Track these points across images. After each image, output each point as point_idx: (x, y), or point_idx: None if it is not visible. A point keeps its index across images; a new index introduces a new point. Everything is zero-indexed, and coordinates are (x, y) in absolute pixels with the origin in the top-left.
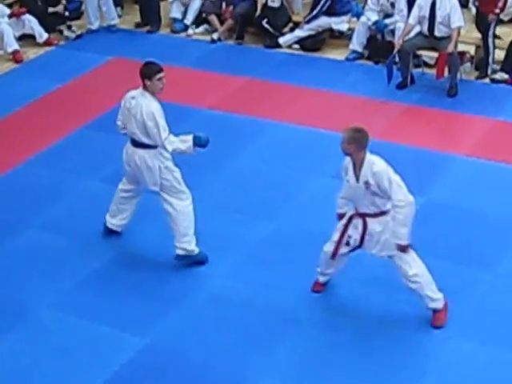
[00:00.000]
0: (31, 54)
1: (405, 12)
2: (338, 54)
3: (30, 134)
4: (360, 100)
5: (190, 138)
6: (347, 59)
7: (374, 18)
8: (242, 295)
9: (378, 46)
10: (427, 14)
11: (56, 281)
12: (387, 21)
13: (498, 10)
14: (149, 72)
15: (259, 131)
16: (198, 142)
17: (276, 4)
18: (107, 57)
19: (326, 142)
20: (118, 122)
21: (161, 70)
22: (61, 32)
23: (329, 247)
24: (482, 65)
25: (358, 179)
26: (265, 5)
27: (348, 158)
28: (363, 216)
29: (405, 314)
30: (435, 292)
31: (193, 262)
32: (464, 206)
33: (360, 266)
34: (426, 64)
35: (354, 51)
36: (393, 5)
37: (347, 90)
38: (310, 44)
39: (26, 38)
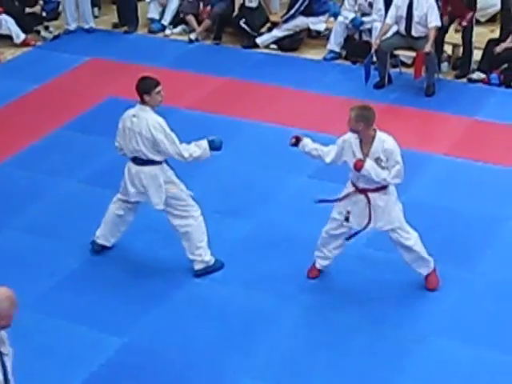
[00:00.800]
0: (8, 54)
1: (382, 12)
2: (315, 54)
3: (7, 135)
4: (338, 100)
5: (204, 142)
6: (325, 59)
7: (351, 16)
8: (220, 295)
9: (356, 46)
10: (404, 14)
11: (34, 281)
12: (364, 19)
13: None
14: (147, 87)
15: (237, 131)
16: (214, 146)
17: (253, 4)
18: (85, 57)
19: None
20: (116, 144)
21: (158, 84)
22: (38, 32)
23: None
24: (459, 64)
25: (365, 156)
26: (242, 5)
27: (346, 138)
28: (365, 192)
29: (383, 313)
30: (428, 257)
31: (211, 271)
32: (442, 205)
33: (336, 270)
34: (404, 64)
35: (332, 51)
36: (370, 4)
37: (325, 90)
38: (288, 44)
39: (3, 39)
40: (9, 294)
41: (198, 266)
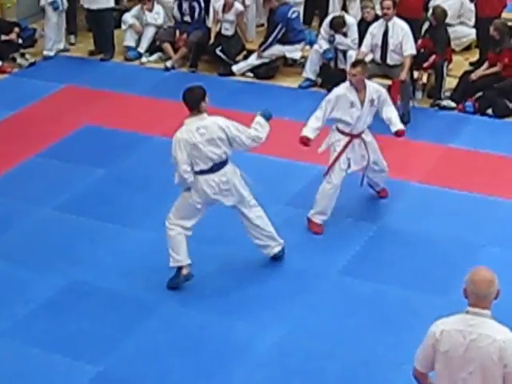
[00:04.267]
0: None
1: (357, 41)
2: (291, 82)
3: None
4: None
5: (259, 118)
6: (300, 87)
7: (325, 46)
8: (195, 322)
9: (331, 74)
10: (380, 42)
11: (8, 309)
12: (338, 39)
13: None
14: (202, 94)
15: None
16: (267, 117)
17: (229, 32)
18: (61, 84)
19: (278, 170)
20: (187, 168)
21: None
22: (14, 59)
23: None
24: (433, 93)
25: (362, 103)
26: (218, 33)
27: (340, 94)
28: (360, 135)
29: (358, 340)
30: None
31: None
32: (416, 233)
33: (312, 297)
34: None
35: (308, 79)
36: (345, 34)
37: (300, 118)
38: (264, 72)
39: None
40: None
41: (277, 249)
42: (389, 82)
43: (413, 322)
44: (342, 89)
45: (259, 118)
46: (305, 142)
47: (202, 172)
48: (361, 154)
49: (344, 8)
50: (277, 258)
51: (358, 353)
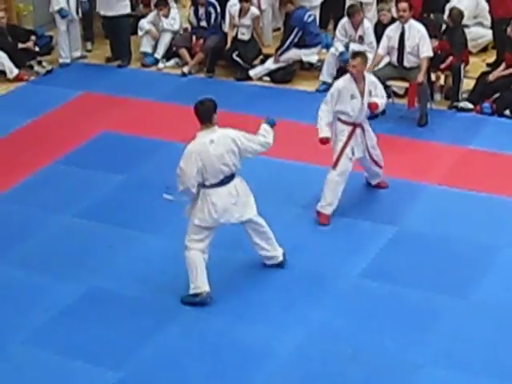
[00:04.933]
0: (1, 89)
1: (374, 44)
2: (308, 86)
3: (0, 169)
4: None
5: (265, 126)
6: (317, 91)
7: (342, 48)
8: (214, 327)
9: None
10: (396, 45)
11: (28, 316)
12: (352, 46)
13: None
14: (214, 106)
15: None
16: (273, 123)
17: (246, 37)
18: (78, 91)
19: (296, 174)
20: (193, 182)
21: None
22: (31, 67)
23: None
24: (451, 94)
25: (362, 94)
26: (235, 38)
27: (341, 87)
28: (361, 124)
29: (379, 343)
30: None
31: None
32: (436, 235)
33: (331, 300)
34: (396, 94)
35: (324, 82)
36: (361, 38)
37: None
38: (281, 76)
39: None
40: None
41: (282, 258)
42: (406, 85)
43: (433, 324)
44: (343, 81)
45: (265, 125)
46: (325, 142)
47: (212, 186)
48: (362, 142)
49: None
50: (282, 266)
51: (378, 355)
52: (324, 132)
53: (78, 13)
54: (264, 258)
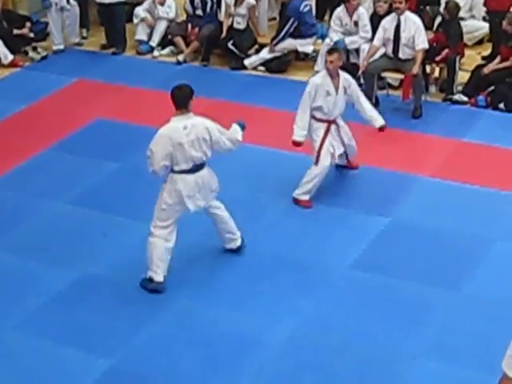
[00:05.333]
0: None
1: (368, 27)
2: (302, 76)
3: None
4: None
5: (235, 126)
6: None
7: (336, 38)
8: (206, 316)
9: (343, 68)
10: (392, 36)
11: (20, 303)
12: (347, 40)
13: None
14: (191, 93)
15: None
16: (243, 126)
17: (241, 26)
18: (72, 78)
19: (289, 164)
20: (162, 164)
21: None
22: (26, 53)
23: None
24: (445, 87)
25: (337, 90)
26: (230, 26)
27: (318, 82)
28: (335, 121)
29: (371, 335)
30: None
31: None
32: (429, 227)
33: (323, 292)
34: (391, 86)
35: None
36: (356, 23)
37: None
38: (276, 66)
39: None
40: None
41: (240, 242)
42: (401, 76)
43: (424, 316)
44: (319, 78)
45: (235, 126)
46: (298, 145)
47: (181, 172)
48: (338, 138)
49: None
50: (240, 250)
51: (369, 346)
52: (298, 135)
53: (68, 1)
54: (226, 241)
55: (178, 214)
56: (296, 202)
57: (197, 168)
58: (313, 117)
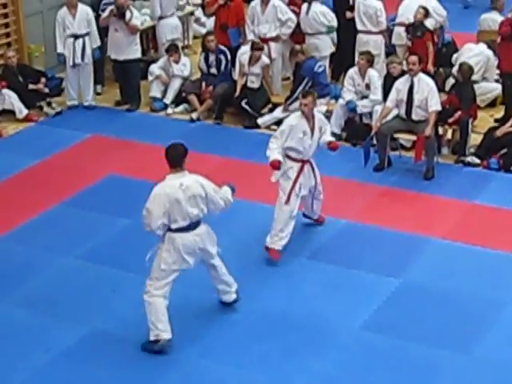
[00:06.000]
0: (11, 129)
1: (379, 91)
2: None
3: (6, 209)
4: (337, 181)
5: (226, 187)
6: None
7: (349, 97)
8: (215, 375)
9: (356, 129)
10: (405, 98)
11: (28, 357)
12: (360, 103)
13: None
14: (185, 152)
15: (233, 211)
16: (233, 189)
17: (255, 85)
18: (86, 134)
19: (301, 223)
20: (160, 223)
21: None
22: (41, 108)
23: (282, 201)
24: (458, 149)
25: (313, 131)
26: (244, 85)
27: (293, 123)
28: (309, 161)
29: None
30: None
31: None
32: (440, 289)
33: (334, 352)
34: (403, 147)
35: (333, 133)
36: (368, 86)
37: (324, 171)
38: None
39: (6, 114)
40: None
41: (234, 295)
42: (413, 138)
43: (434, 379)
44: (294, 119)
45: (226, 187)
46: (277, 164)
47: (178, 230)
48: (310, 178)
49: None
50: (233, 303)
51: None
52: (274, 155)
53: (83, 59)
54: (221, 293)
55: (176, 274)
56: (268, 250)
57: (194, 225)
58: (287, 156)
